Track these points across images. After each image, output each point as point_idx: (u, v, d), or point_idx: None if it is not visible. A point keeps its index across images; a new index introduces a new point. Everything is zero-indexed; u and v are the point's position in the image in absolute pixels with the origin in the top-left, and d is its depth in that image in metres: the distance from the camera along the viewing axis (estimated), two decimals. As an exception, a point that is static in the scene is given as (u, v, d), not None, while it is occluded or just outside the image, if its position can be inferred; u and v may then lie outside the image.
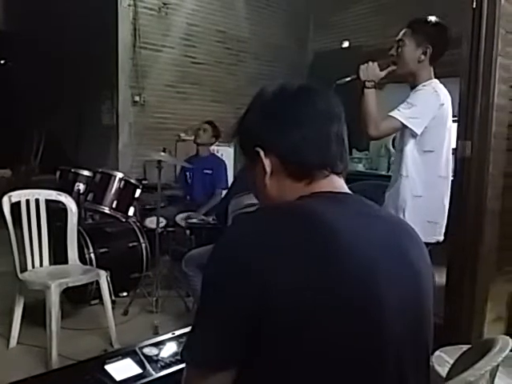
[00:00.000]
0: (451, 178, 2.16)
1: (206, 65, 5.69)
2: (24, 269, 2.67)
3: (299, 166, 0.86)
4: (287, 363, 0.70)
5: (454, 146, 2.17)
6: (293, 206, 0.82)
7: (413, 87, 2.10)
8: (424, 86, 2.07)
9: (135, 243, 3.45)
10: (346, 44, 6.28)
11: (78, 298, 3.13)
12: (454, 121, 2.11)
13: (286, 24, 6.37)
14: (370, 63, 2.07)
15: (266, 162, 0.87)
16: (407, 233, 0.89)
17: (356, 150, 5.75)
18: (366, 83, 2.05)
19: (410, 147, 2.08)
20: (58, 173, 3.56)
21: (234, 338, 0.71)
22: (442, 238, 2.14)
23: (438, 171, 2.10)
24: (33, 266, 2.72)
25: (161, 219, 3.46)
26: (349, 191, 0.90)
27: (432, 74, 2.11)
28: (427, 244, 2.18)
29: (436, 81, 2.10)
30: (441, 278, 2.59)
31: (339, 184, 0.89)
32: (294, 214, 0.78)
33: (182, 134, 5.36)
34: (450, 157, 2.14)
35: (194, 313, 0.78)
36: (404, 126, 2.02)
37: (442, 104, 2.05)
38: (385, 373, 0.74)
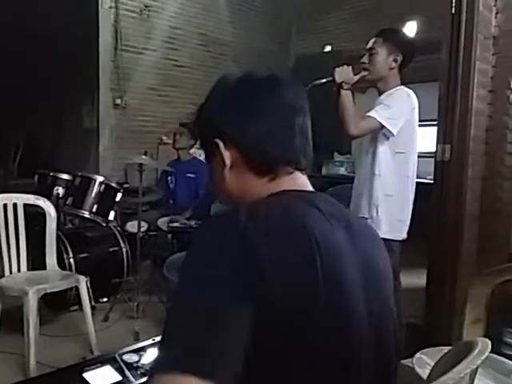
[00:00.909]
0: (416, 180, 2.25)
1: (188, 68, 5.68)
2: (1, 274, 2.61)
3: (261, 160, 0.82)
4: (273, 364, 0.68)
5: (419, 149, 2.25)
6: (275, 205, 0.77)
7: (381, 92, 2.18)
8: (397, 90, 2.17)
9: (116, 248, 3.41)
10: (327, 48, 6.34)
11: (56, 304, 3.07)
12: (420, 125, 2.20)
13: (268, 28, 6.39)
14: (345, 66, 2.16)
15: (226, 155, 0.82)
16: (372, 236, 0.88)
17: (338, 153, 5.80)
18: (343, 85, 2.11)
19: (383, 148, 2.16)
20: (36, 176, 3.49)
21: (232, 339, 0.64)
22: (405, 236, 2.22)
23: (407, 172, 2.20)
24: (10, 272, 2.66)
25: (142, 223, 3.43)
26: (312, 189, 0.87)
27: (399, 80, 2.20)
28: (396, 241, 2.25)
29: (404, 87, 2.18)
30: (418, 280, 2.62)
31: (303, 182, 0.86)
32: (278, 214, 0.73)
33: (164, 137, 5.33)
34: (416, 159, 2.23)
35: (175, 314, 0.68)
36: (382, 127, 2.09)
37: (413, 108, 2.16)
38: (357, 376, 0.74)
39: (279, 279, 0.66)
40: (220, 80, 0.89)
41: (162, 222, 3.78)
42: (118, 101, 5.10)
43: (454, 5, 2.38)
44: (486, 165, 2.60)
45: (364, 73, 2.20)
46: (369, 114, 2.11)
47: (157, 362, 0.64)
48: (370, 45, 2.20)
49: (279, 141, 0.82)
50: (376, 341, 0.77)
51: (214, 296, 0.64)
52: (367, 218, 2.18)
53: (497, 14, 2.59)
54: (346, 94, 2.12)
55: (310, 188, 0.87)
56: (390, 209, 2.16)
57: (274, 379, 0.69)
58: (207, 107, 0.88)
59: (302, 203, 0.78)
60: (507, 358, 1.66)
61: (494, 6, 2.57)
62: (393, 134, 2.10)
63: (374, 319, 0.77)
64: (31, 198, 2.82)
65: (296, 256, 0.69)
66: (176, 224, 3.61)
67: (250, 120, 0.82)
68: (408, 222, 2.23)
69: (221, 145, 0.82)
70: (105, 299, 3.33)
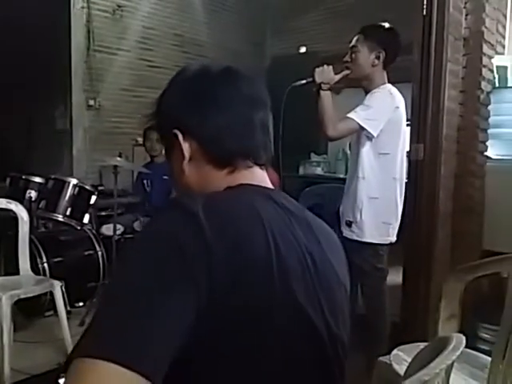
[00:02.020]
0: (405, 180, 2.23)
1: (163, 68, 5.62)
2: (-28, 281, 2.55)
3: (220, 153, 0.81)
4: (226, 362, 0.66)
5: (408, 148, 2.23)
6: (231, 198, 0.76)
7: (367, 91, 2.16)
8: (380, 89, 2.13)
9: (91, 251, 3.36)
10: (303, 49, 6.37)
11: (31, 309, 3.01)
12: (407, 125, 2.18)
13: (243, 28, 6.39)
14: (325, 66, 2.13)
15: (185, 147, 0.81)
16: (328, 235, 0.88)
17: (314, 153, 5.83)
18: (322, 85, 2.09)
19: (367, 149, 2.13)
20: (8, 180, 3.42)
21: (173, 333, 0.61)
22: (394, 239, 2.20)
23: (393, 173, 2.16)
24: (-19, 278, 2.60)
25: (118, 226, 3.38)
26: (270, 185, 0.86)
27: (385, 78, 2.18)
28: (382, 245, 2.25)
29: (390, 85, 2.16)
30: (397, 278, 2.66)
31: (262, 177, 0.85)
32: (234, 208, 0.72)
33: (139, 139, 5.27)
34: (405, 159, 2.21)
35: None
36: (361, 128, 2.06)
37: (397, 107, 2.12)
38: (308, 372, 0.74)
39: (231, 276, 0.64)
40: (180, 71, 0.88)
41: (139, 225, 3.75)
42: (92, 102, 5.02)
43: (425, 6, 2.42)
44: (458, 163, 2.65)
45: (346, 71, 2.17)
46: (348, 115, 2.08)
47: (77, 346, 0.58)
48: (352, 43, 2.17)
49: (238, 134, 0.81)
50: (327, 340, 0.76)
51: (151, 283, 0.61)
52: (352, 222, 2.15)
53: (467, 15, 2.64)
54: (325, 95, 2.10)
55: (269, 184, 0.86)
56: (375, 212, 2.13)
57: (223, 378, 0.67)
58: (166, 99, 0.86)
59: (259, 197, 0.77)
60: (482, 353, 1.70)
61: (464, 7, 2.63)
62: (373, 136, 2.07)
63: (326, 317, 0.76)
64: (3, 202, 2.75)
65: (251, 252, 0.68)
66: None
67: (209, 112, 0.81)
68: (396, 225, 2.20)
69: (180, 136, 0.81)
70: (81, 304, 3.28)
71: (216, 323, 0.63)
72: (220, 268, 0.63)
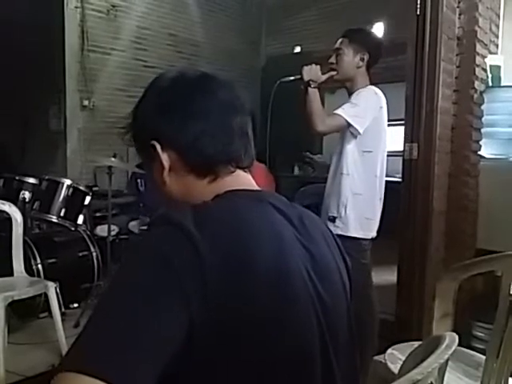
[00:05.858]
0: (384, 178, 2.26)
1: (158, 68, 5.61)
2: (-35, 283, 2.53)
3: (200, 162, 0.80)
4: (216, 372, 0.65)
5: (388, 148, 2.27)
6: (221, 208, 0.75)
7: (350, 93, 2.20)
8: (365, 88, 2.18)
9: (85, 252, 3.34)
10: (297, 49, 6.39)
11: (25, 311, 2.99)
12: (389, 125, 2.22)
13: (238, 28, 6.40)
14: (313, 65, 2.18)
15: (164, 157, 0.80)
16: (321, 231, 0.88)
17: (310, 153, 5.85)
18: (311, 83, 2.12)
19: (351, 147, 2.17)
20: (1, 181, 3.40)
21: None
22: (375, 235, 2.25)
23: (375, 171, 2.21)
24: (-25, 280, 2.58)
25: (113, 227, 3.37)
26: (257, 187, 0.85)
27: (368, 79, 2.22)
28: (365, 239, 2.27)
29: (373, 86, 2.20)
30: (392, 277, 2.66)
31: (247, 180, 0.84)
32: (224, 218, 0.72)
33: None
34: (385, 158, 2.26)
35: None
36: (348, 125, 2.10)
37: (381, 107, 2.18)
38: (311, 371, 0.73)
39: (228, 290, 0.64)
40: (155, 79, 0.87)
41: (134, 225, 3.74)
42: (86, 102, 5.01)
43: (418, 6, 2.42)
44: (451, 162, 2.66)
45: (332, 73, 2.22)
46: (336, 111, 2.12)
47: (63, 360, 0.58)
48: (336, 45, 2.22)
49: (217, 141, 0.80)
50: (328, 339, 0.75)
51: (138, 300, 0.61)
52: (336, 217, 2.19)
53: (460, 15, 2.65)
54: (312, 92, 2.13)
55: (255, 186, 0.85)
56: (358, 208, 2.17)
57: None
58: (142, 108, 0.86)
59: (249, 202, 0.77)
60: (476, 351, 1.70)
61: (458, 7, 2.64)
62: (359, 133, 2.11)
63: (325, 314, 0.76)
64: (-4, 203, 2.74)
65: (247, 263, 0.67)
66: (148, 227, 3.57)
67: (186, 120, 0.80)
68: (377, 221, 2.25)
69: (158, 147, 0.80)
70: (75, 305, 3.26)
71: (212, 336, 0.63)
72: (215, 282, 0.63)
